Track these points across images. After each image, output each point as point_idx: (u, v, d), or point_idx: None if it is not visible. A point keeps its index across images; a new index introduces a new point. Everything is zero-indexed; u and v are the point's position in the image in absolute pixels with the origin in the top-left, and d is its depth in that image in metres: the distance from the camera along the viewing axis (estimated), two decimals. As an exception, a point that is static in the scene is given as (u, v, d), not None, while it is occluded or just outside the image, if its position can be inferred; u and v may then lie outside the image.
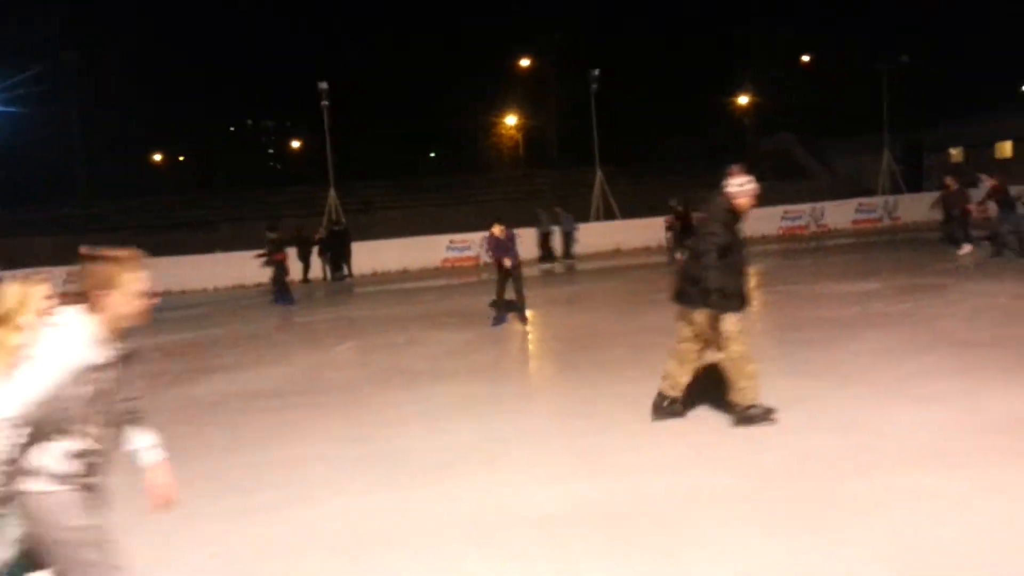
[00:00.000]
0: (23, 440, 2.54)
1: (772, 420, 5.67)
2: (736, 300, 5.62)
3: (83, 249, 2.84)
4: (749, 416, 5.67)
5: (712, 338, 5.63)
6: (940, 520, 3.99)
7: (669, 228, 20.04)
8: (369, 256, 23.89)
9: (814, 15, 47.21)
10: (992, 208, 15.80)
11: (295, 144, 61.15)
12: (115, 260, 2.81)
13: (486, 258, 18.27)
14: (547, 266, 22.91)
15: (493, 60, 45.57)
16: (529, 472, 5.15)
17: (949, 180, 17.10)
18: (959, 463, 4.72)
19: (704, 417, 6.06)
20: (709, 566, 3.67)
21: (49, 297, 3.53)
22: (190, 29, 55.63)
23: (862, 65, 35.85)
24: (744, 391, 5.65)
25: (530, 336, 10.96)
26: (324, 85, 26.52)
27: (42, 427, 2.61)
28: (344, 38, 53.27)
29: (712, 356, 5.88)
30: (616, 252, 25.22)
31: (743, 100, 47.30)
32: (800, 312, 10.72)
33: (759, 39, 45.47)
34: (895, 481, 4.52)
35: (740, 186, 5.67)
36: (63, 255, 26.49)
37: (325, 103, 26.70)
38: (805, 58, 46.48)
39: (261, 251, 17.29)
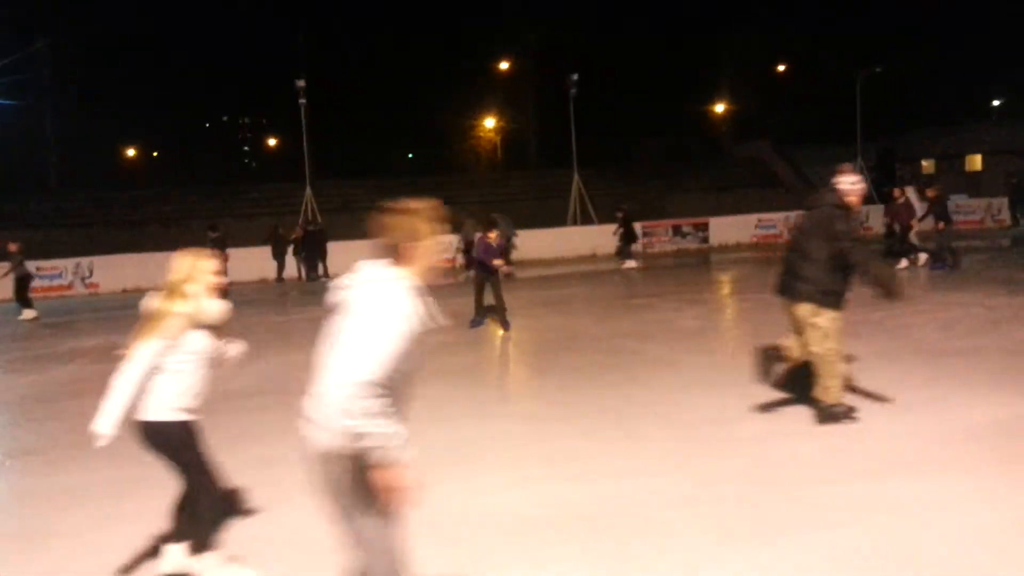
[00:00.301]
0: (377, 401, 2.50)
1: (854, 419, 5.74)
2: (836, 297, 5.70)
3: (387, 203, 2.82)
4: (833, 414, 5.74)
5: (808, 333, 5.67)
6: (914, 526, 4.04)
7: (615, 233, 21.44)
8: (346, 256, 23.63)
9: (791, 23, 47.63)
10: (929, 221, 15.77)
11: (271, 142, 60.67)
12: (417, 211, 2.78)
13: (461, 260, 18.17)
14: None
15: (472, 62, 45.54)
16: (504, 475, 5.15)
17: (897, 191, 16.88)
18: (932, 471, 4.78)
19: (680, 423, 6.09)
20: (684, 571, 3.68)
21: (217, 272, 3.70)
22: (167, 23, 55.07)
23: (837, 74, 36.29)
24: (830, 389, 5.72)
25: (507, 339, 10.95)
26: (301, 83, 26.33)
27: (388, 387, 2.57)
28: (322, 36, 52.96)
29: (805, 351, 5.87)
30: (593, 257, 25.30)
31: (719, 108, 47.68)
32: (773, 321, 10.77)
33: (735, 45, 45.80)
34: (869, 488, 4.57)
35: (852, 184, 5.78)
36: (32, 250, 26.03)
37: (302, 101, 26.52)
38: (780, 67, 46.93)
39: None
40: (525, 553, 3.98)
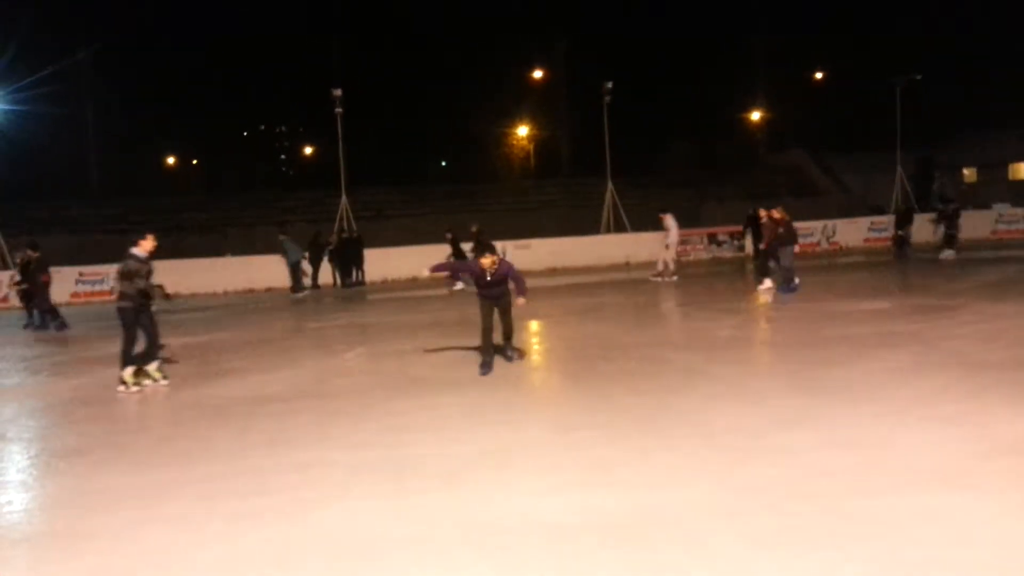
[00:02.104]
0: None
1: None
2: None
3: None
4: None
5: None
6: (947, 541, 3.97)
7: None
8: (380, 263, 23.92)
9: (828, 29, 47.11)
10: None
11: (308, 150, 61.41)
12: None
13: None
14: (300, 295, 21.02)
15: (505, 70, 45.71)
16: (536, 482, 5.15)
17: (763, 212, 15.93)
18: (969, 484, 4.69)
19: (714, 432, 6.04)
20: (718, 582, 3.66)
21: None
22: (205, 33, 56.03)
23: (875, 80, 35.78)
24: None
25: (538, 347, 10.95)
26: (338, 92, 26.62)
27: None
28: (358, 46, 53.52)
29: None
30: (626, 265, 25.24)
31: (755, 116, 47.30)
32: (811, 330, 10.68)
33: (771, 54, 45.45)
34: (903, 501, 4.50)
35: None
36: (73, 254, 26.64)
37: (338, 109, 26.80)
38: (818, 75, 46.45)
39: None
40: (560, 561, 3.97)
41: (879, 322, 10.80)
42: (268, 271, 23.22)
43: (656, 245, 20.43)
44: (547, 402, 7.83)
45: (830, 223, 28.20)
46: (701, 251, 26.72)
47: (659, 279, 18.45)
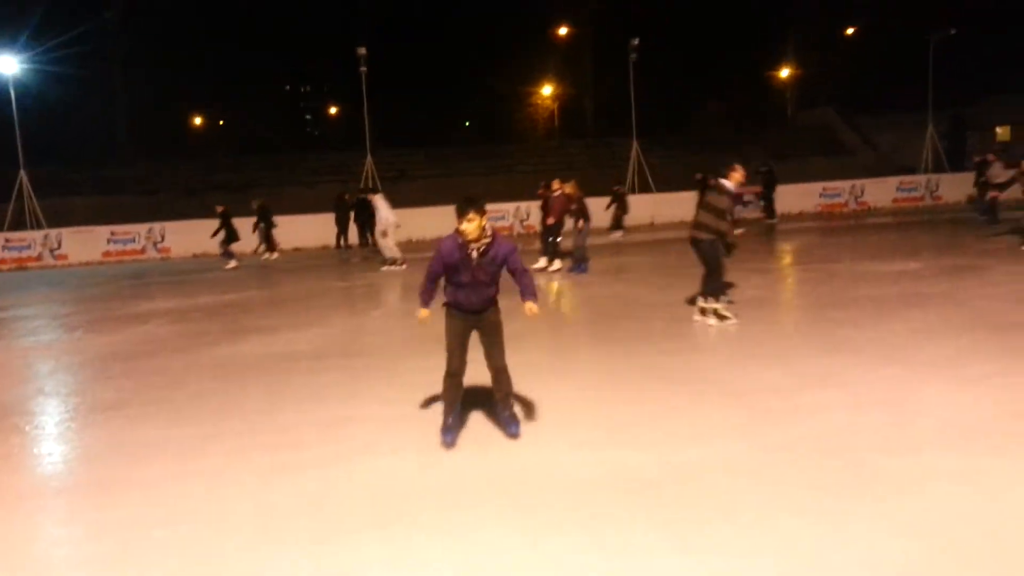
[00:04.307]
0: None
1: None
2: None
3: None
4: None
5: None
6: (974, 501, 3.99)
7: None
8: (404, 222, 23.96)
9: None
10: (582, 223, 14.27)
11: (332, 110, 61.30)
12: None
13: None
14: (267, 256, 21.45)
15: (530, 29, 45.08)
16: (561, 439, 5.22)
17: (556, 184, 14.52)
18: (997, 445, 4.69)
19: (741, 391, 6.07)
20: (740, 538, 3.71)
21: None
22: (229, -8, 55.60)
23: (908, 37, 34.87)
24: None
25: (564, 306, 10.99)
26: (362, 51, 26.50)
27: None
28: (383, 4, 53.04)
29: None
30: (651, 225, 25.10)
31: (784, 73, 46.39)
32: (839, 290, 10.62)
33: (800, 7, 44.38)
34: (934, 459, 4.52)
35: None
36: (104, 214, 26.92)
37: (363, 69, 26.70)
38: (849, 30, 45.32)
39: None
40: (585, 514, 4.05)
41: (907, 282, 10.71)
42: (295, 231, 23.42)
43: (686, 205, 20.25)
44: (572, 360, 7.88)
45: (858, 183, 27.80)
46: (727, 211, 26.47)
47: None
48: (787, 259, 14.64)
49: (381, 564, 3.66)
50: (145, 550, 3.94)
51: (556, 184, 14.50)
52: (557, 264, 14.43)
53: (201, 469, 5.03)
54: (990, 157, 19.46)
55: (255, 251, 21.83)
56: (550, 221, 14.42)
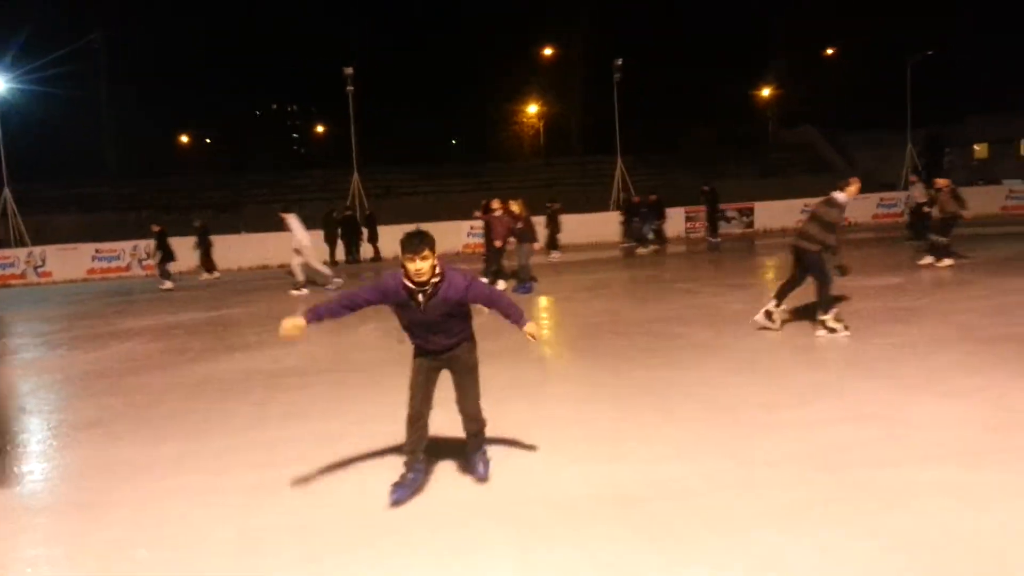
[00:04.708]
0: None
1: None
2: None
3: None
4: None
5: None
6: (962, 515, 3.98)
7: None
8: (392, 239, 24.05)
9: (840, 5, 46.46)
10: (513, 242, 14.07)
11: (319, 128, 61.40)
12: None
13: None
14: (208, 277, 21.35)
15: (517, 48, 45.41)
16: (548, 455, 5.20)
17: (497, 204, 14.22)
18: (983, 459, 4.70)
19: (724, 406, 6.08)
20: (728, 554, 3.70)
21: None
22: (217, 11, 55.81)
23: (887, 58, 35.40)
24: None
25: (549, 322, 10.99)
26: (349, 70, 26.60)
27: None
28: (370, 24, 53.29)
29: None
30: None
31: (766, 92, 46.87)
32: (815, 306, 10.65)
33: (783, 30, 44.97)
34: (917, 475, 4.52)
35: None
36: (89, 232, 26.86)
37: (350, 88, 26.78)
38: (829, 51, 45.91)
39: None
40: (572, 531, 4.02)
41: (890, 297, 10.79)
42: (282, 248, 23.34)
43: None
44: (558, 377, 7.87)
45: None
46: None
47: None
48: (770, 274, 14.71)
49: (367, 582, 3.63)
50: (128, 571, 3.88)
51: (496, 204, 14.05)
52: (502, 284, 13.89)
53: (185, 487, 4.98)
54: (912, 179, 19.88)
55: (195, 270, 21.61)
56: (498, 244, 13.93)
